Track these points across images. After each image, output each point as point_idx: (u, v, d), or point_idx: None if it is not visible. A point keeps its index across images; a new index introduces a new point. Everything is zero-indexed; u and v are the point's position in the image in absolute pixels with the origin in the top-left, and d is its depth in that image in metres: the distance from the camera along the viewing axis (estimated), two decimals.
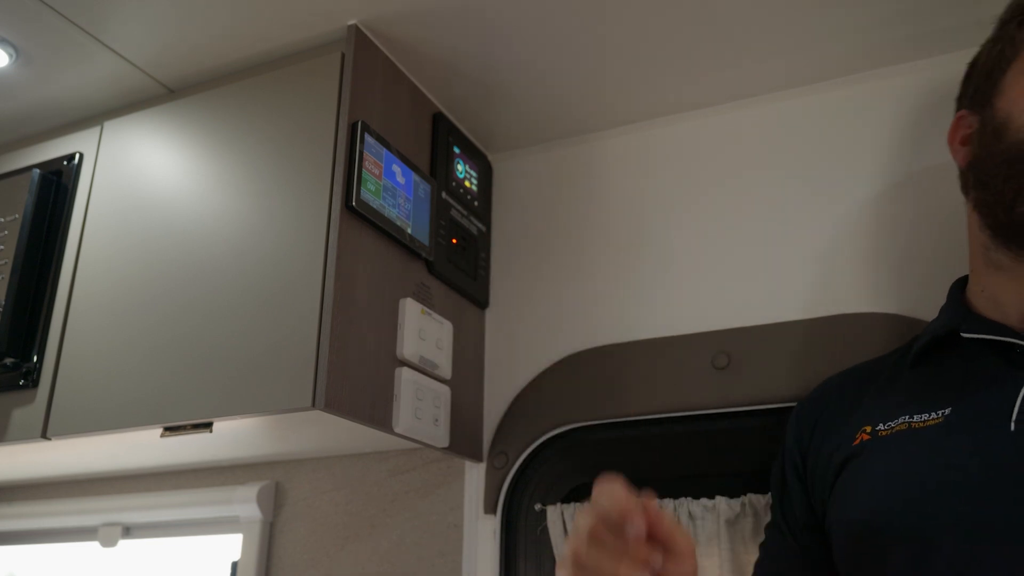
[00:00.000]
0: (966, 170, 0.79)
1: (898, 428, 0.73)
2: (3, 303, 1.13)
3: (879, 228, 1.06)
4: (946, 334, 0.77)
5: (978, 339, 0.73)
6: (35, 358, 1.13)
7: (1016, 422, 0.66)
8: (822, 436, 0.82)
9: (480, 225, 1.26)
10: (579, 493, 1.14)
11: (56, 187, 1.21)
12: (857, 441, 0.75)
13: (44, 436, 1.09)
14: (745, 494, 1.02)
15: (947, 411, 0.71)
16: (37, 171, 1.21)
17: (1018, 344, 0.70)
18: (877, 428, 0.74)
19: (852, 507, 0.73)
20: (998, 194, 0.73)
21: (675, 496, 1.05)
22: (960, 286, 0.81)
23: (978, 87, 0.80)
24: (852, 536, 0.72)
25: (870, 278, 1.04)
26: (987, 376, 0.71)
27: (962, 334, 0.74)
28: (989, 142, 0.75)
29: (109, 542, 1.48)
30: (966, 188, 0.79)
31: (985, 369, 0.72)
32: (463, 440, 1.15)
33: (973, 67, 0.83)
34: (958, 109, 0.83)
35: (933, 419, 0.71)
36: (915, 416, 0.72)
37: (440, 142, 1.19)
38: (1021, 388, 0.67)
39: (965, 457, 0.67)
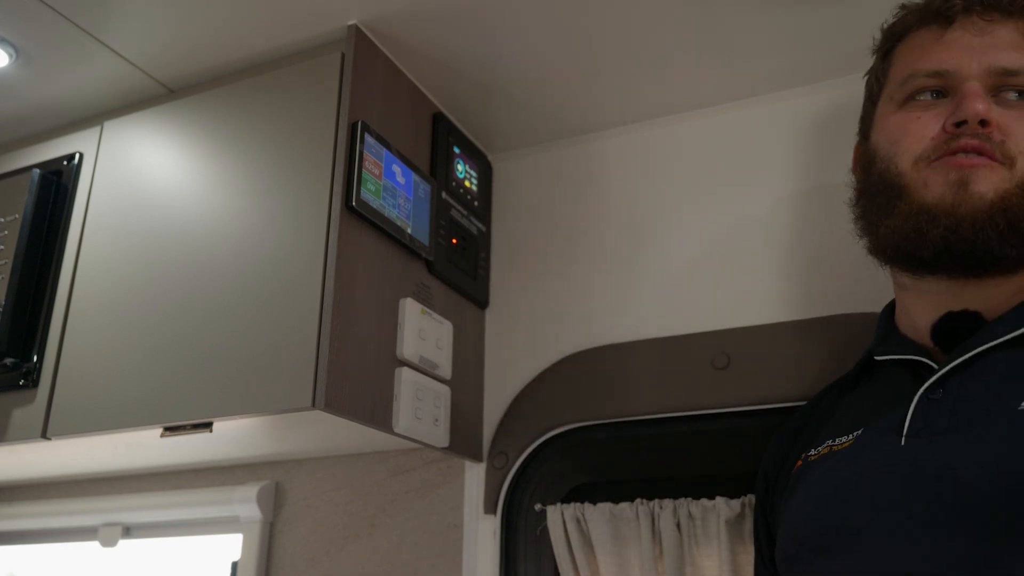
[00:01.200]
0: (853, 202, 0.82)
1: (822, 452, 0.76)
2: (3, 303, 1.13)
3: None
4: (867, 358, 0.80)
5: (891, 359, 0.76)
6: (35, 358, 1.13)
7: (905, 436, 0.68)
8: (778, 471, 0.85)
9: (480, 225, 1.26)
10: (579, 493, 1.14)
11: (56, 187, 1.21)
12: (795, 468, 0.78)
13: (44, 436, 1.09)
14: (745, 494, 1.02)
15: (859, 432, 0.73)
16: (37, 171, 1.21)
17: (921, 361, 0.72)
18: (808, 454, 0.78)
19: (784, 529, 0.76)
20: (869, 223, 0.77)
21: (675, 496, 1.05)
22: (890, 309, 0.83)
23: (861, 119, 0.84)
24: (783, 556, 0.76)
25: (870, 278, 1.04)
26: (894, 394, 0.73)
27: (875, 357, 0.78)
28: (865, 175, 0.79)
29: (109, 542, 1.48)
30: (854, 220, 0.81)
31: (895, 387, 0.74)
32: (463, 440, 1.15)
33: (864, 99, 0.85)
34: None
35: (848, 441, 0.74)
36: (836, 439, 0.75)
37: (440, 142, 1.19)
38: (911, 403, 0.69)
39: (859, 473, 0.69)
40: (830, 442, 0.75)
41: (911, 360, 0.74)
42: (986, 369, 0.67)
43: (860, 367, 0.82)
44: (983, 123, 0.70)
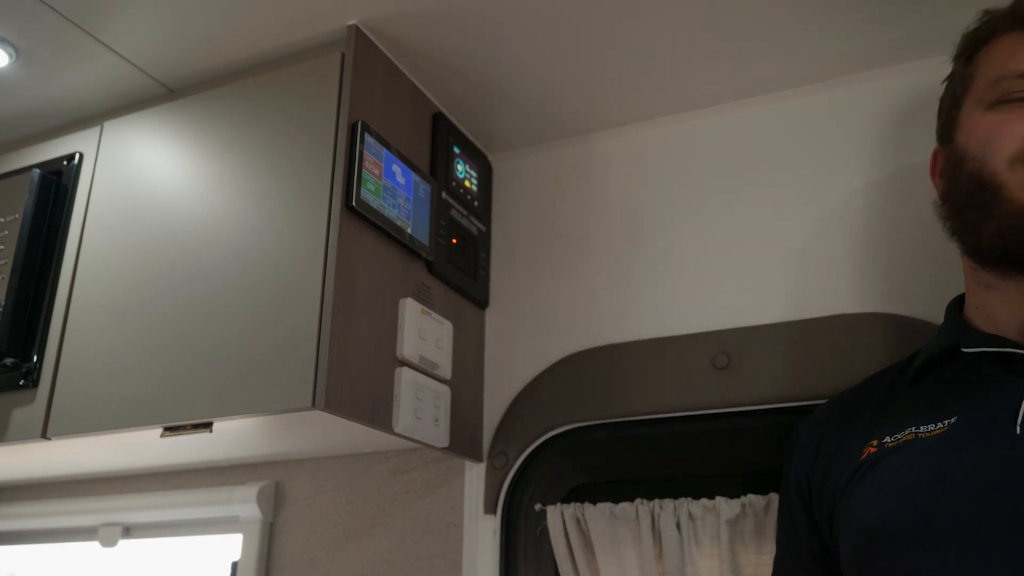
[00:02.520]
0: (940, 203, 0.82)
1: (905, 439, 0.74)
2: (3, 303, 1.13)
3: (879, 228, 1.06)
4: (948, 349, 0.79)
5: (979, 352, 0.76)
6: (35, 358, 1.13)
7: (1021, 426, 0.67)
8: (827, 458, 0.83)
9: (480, 225, 1.26)
10: (579, 493, 1.14)
11: (56, 187, 1.21)
12: (864, 455, 0.76)
13: (44, 436, 1.09)
14: (745, 494, 1.02)
15: (952, 420, 0.72)
16: (37, 171, 1.20)
17: (1018, 353, 0.72)
18: (884, 440, 0.76)
19: (863, 516, 0.74)
20: (965, 223, 0.77)
21: (675, 496, 1.05)
22: (957, 305, 0.84)
23: (943, 124, 0.85)
24: (862, 545, 0.73)
25: (869, 278, 1.04)
26: (990, 386, 0.73)
27: (963, 348, 0.77)
28: (953, 176, 0.79)
29: (109, 542, 1.48)
30: (943, 219, 0.82)
31: (988, 379, 0.74)
32: (463, 440, 1.15)
33: (941, 103, 0.87)
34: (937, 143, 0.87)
35: (939, 428, 0.72)
36: (921, 427, 0.74)
37: (440, 142, 1.19)
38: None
39: (971, 462, 0.68)
40: (912, 429, 0.74)
41: (1002, 354, 0.73)
42: None
43: (929, 360, 0.80)
44: None
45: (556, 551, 1.09)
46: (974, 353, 0.76)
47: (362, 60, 1.06)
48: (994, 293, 0.77)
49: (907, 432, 0.74)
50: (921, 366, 0.81)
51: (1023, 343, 0.73)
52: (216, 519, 1.39)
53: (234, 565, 1.34)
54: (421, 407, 1.05)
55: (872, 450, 0.76)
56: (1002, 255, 0.74)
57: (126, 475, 1.47)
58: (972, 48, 0.82)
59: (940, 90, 0.87)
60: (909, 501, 0.70)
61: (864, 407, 0.83)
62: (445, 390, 1.11)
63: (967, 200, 0.77)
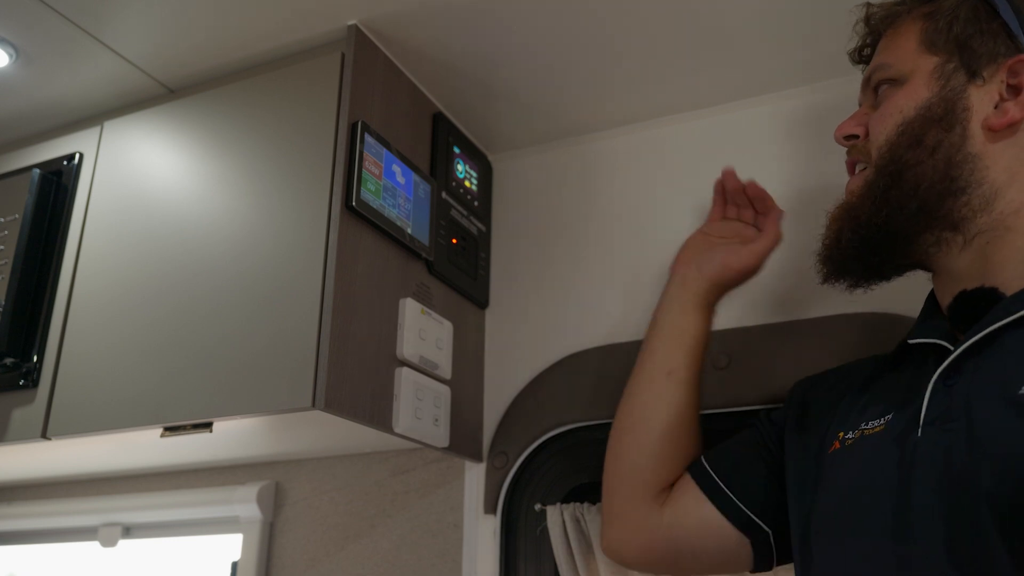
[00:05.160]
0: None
1: (856, 436, 0.75)
2: (3, 303, 1.13)
3: None
4: (902, 342, 0.78)
5: (920, 344, 0.74)
6: (35, 358, 1.13)
7: (922, 426, 0.66)
8: (804, 427, 0.85)
9: (480, 225, 1.26)
10: (579, 493, 1.14)
11: (56, 187, 1.21)
12: (832, 449, 0.77)
13: (44, 436, 1.09)
14: None
15: (889, 417, 0.72)
16: (37, 171, 1.20)
17: (940, 344, 0.70)
18: (846, 436, 0.76)
19: (817, 515, 0.75)
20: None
21: None
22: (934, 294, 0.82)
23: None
24: (799, 534, 0.76)
25: None
26: (920, 379, 0.71)
27: (908, 341, 0.76)
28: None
29: (109, 542, 1.48)
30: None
31: (921, 372, 0.72)
32: (463, 440, 1.15)
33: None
34: None
35: (879, 426, 0.72)
36: (868, 423, 0.74)
37: (440, 142, 1.19)
38: (927, 391, 0.67)
39: (883, 464, 0.68)
40: (864, 426, 0.74)
41: (934, 344, 0.72)
42: (1002, 350, 0.64)
43: (899, 348, 0.79)
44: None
45: (556, 551, 1.09)
46: (918, 344, 0.75)
47: (362, 60, 1.06)
48: (937, 278, 0.77)
49: (858, 429, 0.75)
50: (892, 356, 0.80)
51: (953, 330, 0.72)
52: (216, 519, 1.39)
53: (234, 565, 1.34)
54: (421, 407, 1.05)
55: (837, 445, 0.77)
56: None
57: (126, 475, 1.47)
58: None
59: None
60: (836, 497, 0.72)
61: (843, 391, 0.83)
62: (445, 390, 1.11)
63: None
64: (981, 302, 0.69)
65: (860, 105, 0.85)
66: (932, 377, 0.68)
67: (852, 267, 0.79)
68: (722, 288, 0.97)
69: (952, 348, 0.68)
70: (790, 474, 0.83)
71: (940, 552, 0.59)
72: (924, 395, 0.67)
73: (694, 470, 0.90)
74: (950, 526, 0.59)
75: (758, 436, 0.90)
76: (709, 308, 0.96)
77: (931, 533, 0.60)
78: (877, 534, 0.65)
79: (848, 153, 0.84)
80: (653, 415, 0.92)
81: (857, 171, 0.81)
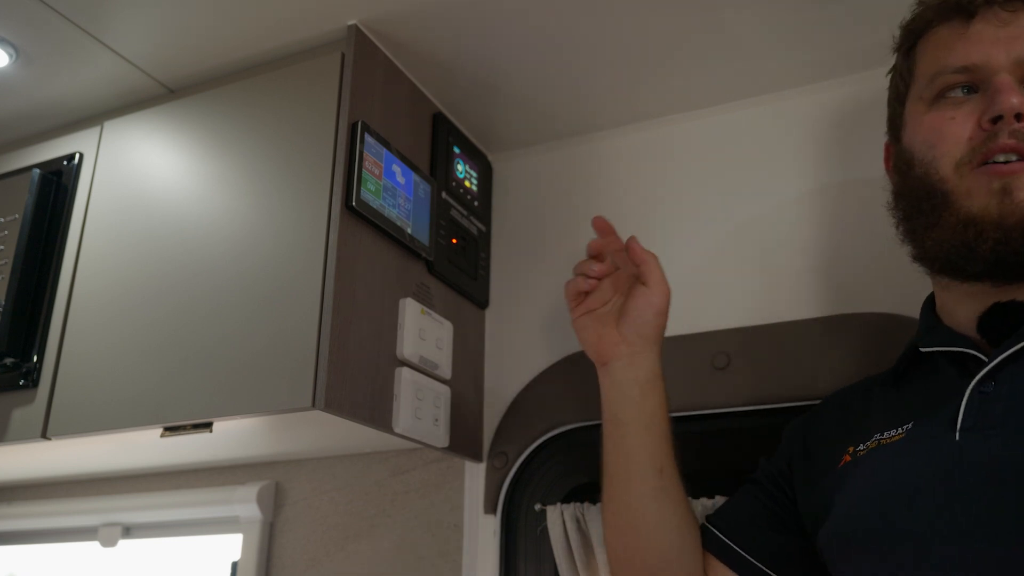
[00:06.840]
0: (893, 203, 0.80)
1: (871, 446, 0.74)
2: (3, 303, 1.13)
3: (879, 228, 1.05)
4: (910, 350, 0.79)
5: (937, 352, 0.75)
6: (35, 358, 1.13)
7: (960, 431, 0.66)
8: (812, 454, 0.84)
9: (480, 225, 1.26)
10: (579, 493, 1.14)
11: (56, 187, 1.21)
12: (842, 463, 0.77)
13: (44, 436, 1.09)
14: None
15: (909, 425, 0.72)
16: (37, 171, 1.20)
17: (969, 353, 0.71)
18: (858, 449, 0.76)
19: (834, 523, 0.74)
20: (912, 230, 0.76)
21: None
22: (930, 302, 0.82)
23: (890, 119, 0.83)
24: (832, 550, 0.75)
25: (870, 278, 1.04)
26: (944, 387, 0.71)
27: (920, 349, 0.76)
28: (903, 178, 0.78)
29: (109, 542, 1.48)
30: (895, 222, 0.80)
31: (944, 381, 0.73)
32: (463, 440, 1.15)
33: (888, 97, 0.84)
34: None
35: (898, 435, 0.72)
36: (885, 433, 0.74)
37: (440, 142, 1.19)
38: (964, 397, 0.67)
39: (917, 468, 0.68)
40: (879, 436, 0.74)
41: (958, 353, 0.72)
42: None
43: (905, 361, 0.80)
44: (1019, 117, 0.69)
45: (556, 551, 1.09)
46: (934, 352, 0.75)
47: (362, 60, 1.06)
48: (951, 293, 0.76)
49: (874, 439, 0.75)
50: (897, 369, 0.80)
51: (977, 340, 0.72)
52: (216, 519, 1.39)
53: (234, 565, 1.34)
54: (421, 407, 1.05)
55: (848, 458, 0.77)
56: (944, 266, 0.74)
57: (126, 475, 1.47)
58: (911, 39, 0.80)
59: None
60: (864, 507, 0.71)
61: (850, 410, 0.84)
62: (445, 390, 1.11)
63: (917, 206, 0.75)
64: (1015, 314, 0.70)
65: (996, 74, 0.71)
66: (969, 384, 0.68)
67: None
68: (659, 338, 0.92)
69: (984, 357, 0.69)
70: (803, 499, 0.83)
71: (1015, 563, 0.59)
72: (959, 401, 0.67)
73: (713, 546, 0.88)
74: (1013, 537, 0.59)
75: (761, 489, 0.89)
76: (662, 376, 0.92)
77: (1001, 544, 0.60)
78: (922, 536, 0.64)
79: (1008, 136, 0.69)
80: (661, 533, 0.88)
81: (1021, 170, 0.69)
